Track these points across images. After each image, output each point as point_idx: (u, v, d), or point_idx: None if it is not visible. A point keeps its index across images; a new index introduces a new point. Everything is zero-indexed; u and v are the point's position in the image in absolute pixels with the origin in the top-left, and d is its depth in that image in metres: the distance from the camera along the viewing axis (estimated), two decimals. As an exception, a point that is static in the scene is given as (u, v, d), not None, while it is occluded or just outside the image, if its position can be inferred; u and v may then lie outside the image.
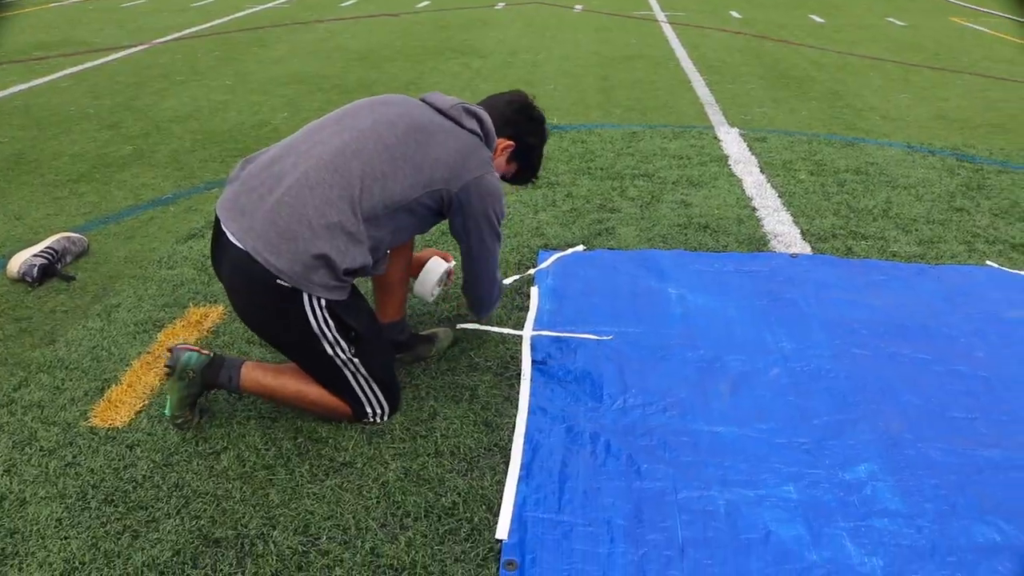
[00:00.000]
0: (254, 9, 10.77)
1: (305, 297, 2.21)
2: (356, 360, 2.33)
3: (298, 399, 2.38)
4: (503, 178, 2.61)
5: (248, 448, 2.31)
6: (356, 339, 2.32)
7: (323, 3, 11.09)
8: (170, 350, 2.36)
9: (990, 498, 2.18)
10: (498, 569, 1.92)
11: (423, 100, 2.51)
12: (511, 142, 2.58)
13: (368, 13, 10.24)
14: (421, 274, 2.75)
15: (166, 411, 2.36)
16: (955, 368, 2.78)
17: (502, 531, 2.03)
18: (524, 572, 1.91)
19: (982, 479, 2.25)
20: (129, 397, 2.53)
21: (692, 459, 2.30)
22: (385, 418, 2.44)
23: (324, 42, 8.26)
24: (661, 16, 11.15)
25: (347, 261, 2.21)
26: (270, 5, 10.88)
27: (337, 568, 1.92)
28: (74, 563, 1.92)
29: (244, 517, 2.07)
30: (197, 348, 2.35)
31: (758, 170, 4.80)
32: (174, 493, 2.15)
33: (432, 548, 1.98)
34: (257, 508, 2.10)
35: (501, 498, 2.13)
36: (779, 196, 4.38)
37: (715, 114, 6.12)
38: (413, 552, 1.96)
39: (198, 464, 2.25)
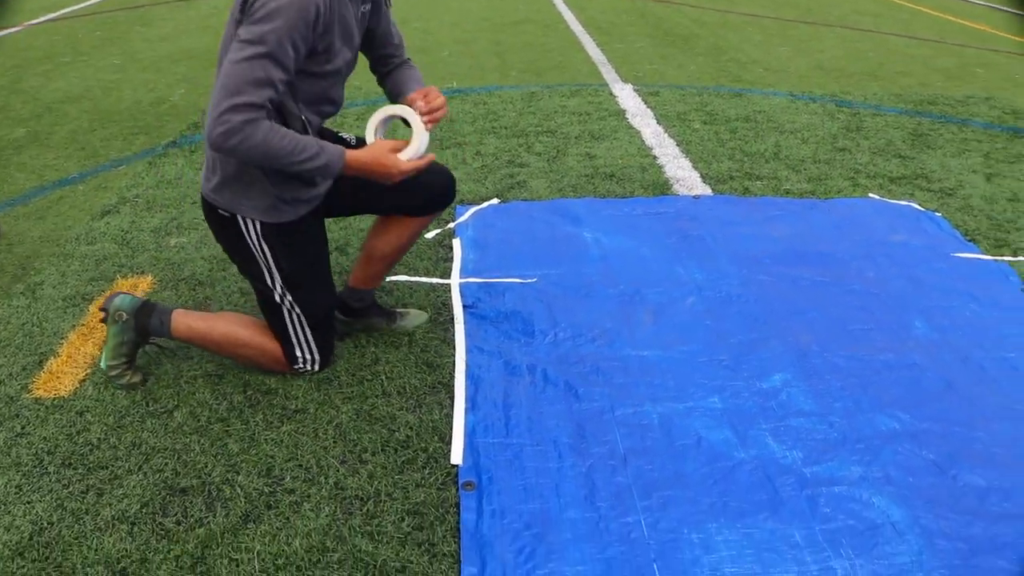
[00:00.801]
0: (129, -13, 10.40)
1: (240, 221, 2.26)
2: (290, 295, 2.35)
3: (227, 341, 2.41)
4: None
5: (199, 404, 2.37)
6: (286, 276, 2.34)
7: (202, -21, 10.80)
8: (106, 296, 2.41)
9: (888, 394, 2.44)
10: (457, 490, 2.06)
11: None
12: None
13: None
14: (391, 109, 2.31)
15: (101, 363, 2.39)
16: (850, 288, 3.04)
17: (456, 457, 2.16)
18: (482, 490, 2.05)
19: (880, 379, 2.51)
20: (70, 368, 2.54)
21: (624, 381, 2.48)
22: (315, 367, 2.46)
23: (211, 18, 8.08)
24: (546, -19, 11.28)
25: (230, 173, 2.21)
26: (146, -17, 10.53)
27: (305, 503, 2.02)
28: (41, 524, 1.96)
29: (206, 467, 2.14)
30: (131, 293, 2.39)
31: (655, 122, 5.02)
32: (132, 451, 2.20)
33: (393, 477, 2.10)
34: (218, 457, 2.17)
35: (451, 428, 2.27)
36: (677, 145, 4.60)
37: (608, 72, 6.31)
38: (376, 482, 2.08)
39: (152, 423, 2.30)
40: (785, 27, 8.32)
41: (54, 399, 2.40)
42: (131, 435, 2.25)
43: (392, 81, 2.50)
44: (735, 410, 2.36)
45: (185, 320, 2.41)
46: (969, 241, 3.47)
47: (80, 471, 2.13)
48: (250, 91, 1.99)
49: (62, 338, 2.70)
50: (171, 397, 2.40)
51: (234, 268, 3.11)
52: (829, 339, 2.71)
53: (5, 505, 2.02)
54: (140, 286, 3.00)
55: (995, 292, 3.04)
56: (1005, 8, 10.55)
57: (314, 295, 2.41)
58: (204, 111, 2.20)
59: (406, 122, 2.29)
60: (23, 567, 1.84)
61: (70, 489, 2.07)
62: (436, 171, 2.47)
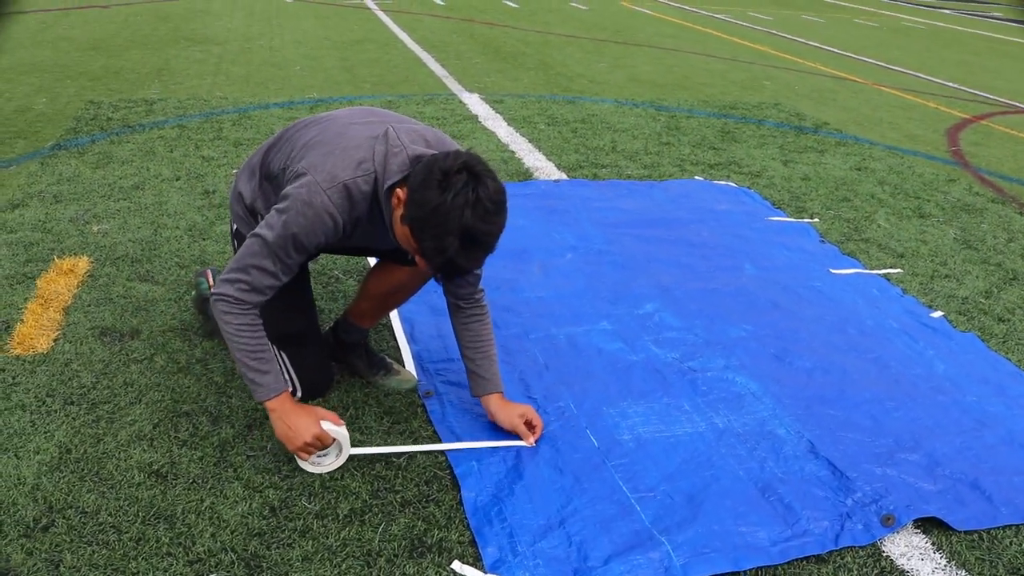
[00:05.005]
0: (-66, 4, 10.01)
1: (230, 220, 2.52)
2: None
3: None
4: (424, 255, 2.01)
5: (175, 351, 2.72)
6: None
7: (12, -3, 10.53)
8: (207, 269, 2.82)
9: (733, 313, 3.14)
10: (420, 398, 2.54)
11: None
12: (403, 191, 1.99)
13: (75, 5, 9.90)
14: None
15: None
16: (692, 243, 3.76)
17: (410, 369, 2.65)
18: (440, 396, 2.54)
19: (726, 303, 3.21)
20: (39, 331, 2.80)
21: (531, 313, 3.04)
22: (296, 395, 2.42)
23: (42, 33, 8.01)
24: (371, 4, 11.79)
25: (249, 199, 2.35)
26: (-48, 0, 10.16)
27: (296, 413, 2.43)
28: (67, 446, 2.26)
29: (200, 395, 2.51)
30: (212, 283, 2.71)
31: (506, 124, 5.65)
32: (127, 389, 2.52)
33: (364, 391, 2.55)
34: (208, 388, 2.54)
35: (402, 356, 2.75)
36: (529, 142, 5.25)
37: (453, 84, 6.91)
38: (352, 394, 2.53)
39: (136, 367, 2.63)
40: (600, 46, 9.25)
41: (34, 356, 2.67)
42: (121, 378, 2.57)
43: (471, 347, 2.41)
44: (622, 329, 2.98)
45: None
46: (777, 208, 4.31)
47: (84, 407, 2.43)
48: (254, 274, 2.07)
49: (20, 309, 2.93)
50: (146, 348, 2.73)
51: (167, 246, 3.44)
52: (683, 278, 3.40)
53: (25, 436, 2.30)
54: (80, 264, 3.26)
55: (801, 243, 3.86)
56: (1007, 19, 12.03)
57: (271, 312, 2.22)
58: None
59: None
60: (65, 477, 2.15)
61: (81, 420, 2.37)
62: None
